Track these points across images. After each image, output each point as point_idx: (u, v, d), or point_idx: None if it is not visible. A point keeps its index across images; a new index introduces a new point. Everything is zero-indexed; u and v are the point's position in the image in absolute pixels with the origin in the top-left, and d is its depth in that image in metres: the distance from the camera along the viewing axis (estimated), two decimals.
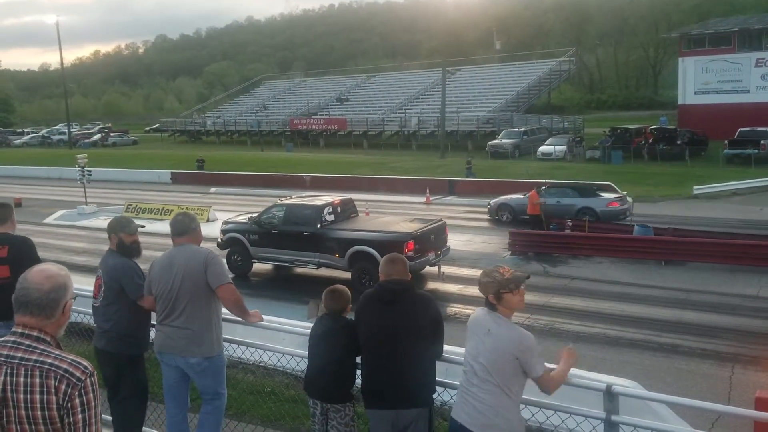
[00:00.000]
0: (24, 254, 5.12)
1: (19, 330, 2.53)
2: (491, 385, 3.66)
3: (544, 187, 21.53)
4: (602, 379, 5.76)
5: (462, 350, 4.88)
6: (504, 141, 43.47)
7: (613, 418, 3.83)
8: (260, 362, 7.16)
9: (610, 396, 3.85)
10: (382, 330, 4.14)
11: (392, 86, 66.80)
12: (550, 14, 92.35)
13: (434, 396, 4.28)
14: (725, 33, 44.73)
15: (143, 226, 5.53)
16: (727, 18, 51.20)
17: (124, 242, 5.14)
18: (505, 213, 22.05)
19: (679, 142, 38.38)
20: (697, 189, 26.92)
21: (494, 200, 22.94)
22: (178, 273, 4.70)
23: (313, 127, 60.48)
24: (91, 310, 6.05)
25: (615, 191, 22.40)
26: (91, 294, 5.22)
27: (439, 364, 4.27)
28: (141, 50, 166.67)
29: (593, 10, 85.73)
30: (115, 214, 24.43)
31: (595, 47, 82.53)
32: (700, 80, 45.05)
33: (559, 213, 20.18)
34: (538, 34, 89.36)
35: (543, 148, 40.70)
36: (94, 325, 5.40)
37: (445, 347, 4.33)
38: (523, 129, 45.77)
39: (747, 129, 36.58)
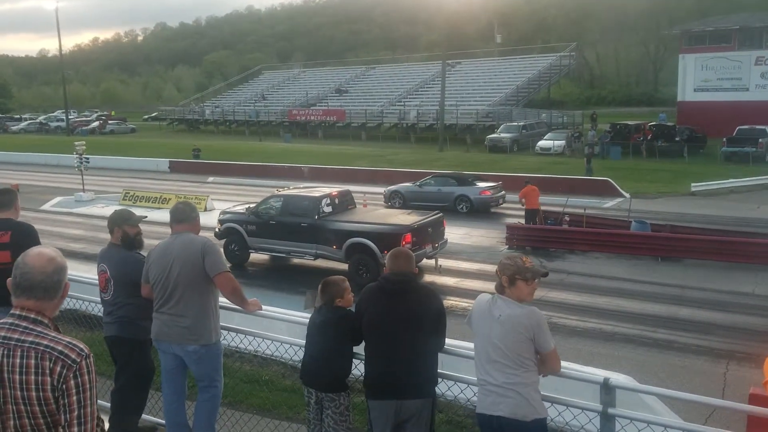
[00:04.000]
0: (26, 240, 5.11)
1: (17, 312, 2.55)
2: (510, 367, 3.75)
3: (429, 177, 24.74)
4: (597, 373, 5.78)
5: (462, 343, 4.91)
6: (503, 135, 43.44)
7: (610, 410, 3.85)
8: (257, 351, 7.17)
9: (607, 389, 3.87)
10: (386, 322, 4.16)
11: (392, 78, 66.65)
12: (551, 9, 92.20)
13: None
14: (726, 30, 44.67)
15: (145, 217, 5.54)
16: (728, 16, 51.10)
17: (128, 235, 5.20)
18: (396, 199, 24.30)
19: (677, 139, 38.39)
20: (695, 186, 26.96)
21: (388, 188, 25.19)
22: (175, 261, 4.69)
23: (312, 118, 60.38)
24: (87, 296, 6.09)
25: (614, 187, 22.26)
26: (88, 281, 5.25)
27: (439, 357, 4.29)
28: (140, 38, 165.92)
29: (594, 6, 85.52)
30: (113, 202, 24.57)
31: (595, 43, 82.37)
32: (699, 77, 45.02)
33: (439, 199, 22.83)
34: (538, 28, 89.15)
35: (542, 143, 40.72)
36: (100, 315, 5.44)
37: (447, 340, 4.36)
38: (522, 123, 45.73)
39: (746, 127, 36.60)
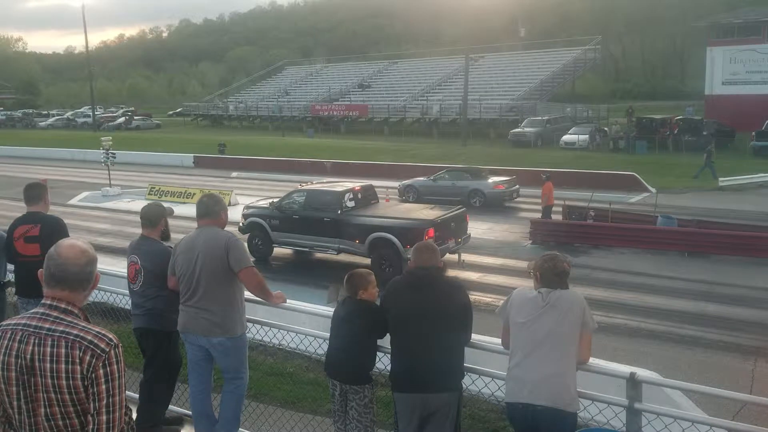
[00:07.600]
0: (56, 234, 5.21)
1: (48, 302, 2.59)
2: (556, 355, 3.78)
3: (442, 172, 24.84)
4: (622, 368, 5.72)
5: (485, 337, 4.88)
6: (527, 129, 43.12)
7: (636, 405, 3.82)
8: (280, 345, 7.22)
9: (633, 384, 3.84)
10: (412, 316, 4.15)
11: (414, 73, 66.48)
12: (575, 2, 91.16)
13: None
14: (756, 23, 43.78)
15: (173, 210, 5.72)
16: (757, 7, 50.07)
17: (167, 226, 5.42)
18: (410, 194, 24.46)
19: (705, 133, 37.79)
20: (723, 181, 26.54)
21: (403, 182, 25.29)
22: (200, 256, 4.73)
23: (335, 113, 60.49)
24: (115, 289, 6.18)
25: (639, 182, 22.05)
26: (116, 274, 5.32)
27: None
28: (164, 34, 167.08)
29: None
30: (140, 197, 24.87)
31: (620, 36, 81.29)
32: (728, 70, 44.22)
33: (453, 193, 22.89)
34: (563, 21, 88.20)
35: (566, 137, 40.35)
36: (127, 308, 5.55)
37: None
38: (546, 117, 45.29)
39: None
